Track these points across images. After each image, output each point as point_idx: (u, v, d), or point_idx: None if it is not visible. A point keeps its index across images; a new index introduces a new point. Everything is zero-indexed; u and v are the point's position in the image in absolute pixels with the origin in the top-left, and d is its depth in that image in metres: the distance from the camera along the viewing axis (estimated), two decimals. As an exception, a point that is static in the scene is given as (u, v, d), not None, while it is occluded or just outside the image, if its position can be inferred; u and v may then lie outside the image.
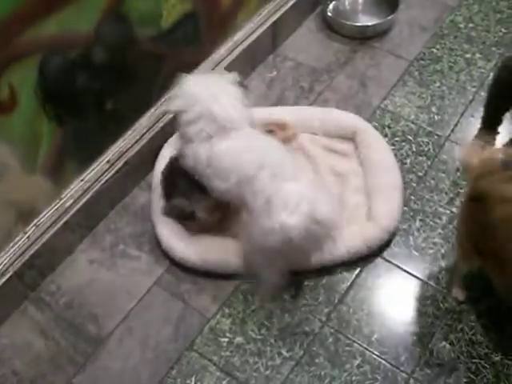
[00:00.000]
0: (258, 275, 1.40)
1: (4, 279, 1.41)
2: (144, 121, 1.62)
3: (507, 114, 1.61)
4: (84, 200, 1.53)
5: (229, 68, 1.79)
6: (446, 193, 1.61)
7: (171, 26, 1.57)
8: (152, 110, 1.64)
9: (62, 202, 1.49)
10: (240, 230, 1.43)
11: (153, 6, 1.48)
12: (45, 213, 1.47)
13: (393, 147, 1.70)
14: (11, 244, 1.42)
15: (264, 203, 1.27)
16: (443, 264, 1.49)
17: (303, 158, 1.67)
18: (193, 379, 1.35)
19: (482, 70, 1.91)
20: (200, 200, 1.45)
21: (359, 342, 1.38)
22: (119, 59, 1.47)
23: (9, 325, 1.46)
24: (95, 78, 1.42)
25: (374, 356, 1.36)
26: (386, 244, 1.51)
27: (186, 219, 1.49)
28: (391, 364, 1.34)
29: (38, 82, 1.28)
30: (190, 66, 1.72)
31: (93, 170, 1.54)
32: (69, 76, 1.36)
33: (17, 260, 1.43)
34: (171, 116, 1.63)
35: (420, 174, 1.66)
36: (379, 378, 1.33)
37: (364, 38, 2.02)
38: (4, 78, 1.20)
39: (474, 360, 1.34)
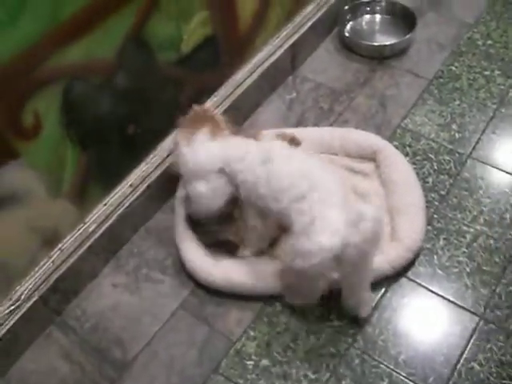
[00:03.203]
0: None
1: (29, 303, 1.42)
2: (166, 144, 1.63)
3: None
4: (107, 224, 1.53)
5: (249, 90, 1.81)
6: (470, 211, 1.60)
7: (191, 50, 1.58)
8: (174, 133, 1.64)
9: (85, 226, 1.50)
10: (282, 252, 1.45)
11: (173, 31, 1.50)
12: (69, 237, 1.47)
13: (414, 166, 1.70)
14: (36, 268, 1.42)
15: (307, 224, 1.26)
16: (468, 282, 1.47)
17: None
18: (219, 403, 1.35)
19: (502, 87, 1.90)
20: (223, 226, 1.49)
21: (386, 363, 1.37)
22: (141, 84, 1.48)
23: (34, 349, 1.47)
24: (117, 104, 1.44)
25: (402, 377, 1.34)
26: (410, 263, 1.50)
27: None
28: (419, 385, 1.33)
29: (61, 108, 1.29)
30: (210, 89, 1.73)
31: (116, 194, 1.55)
32: (92, 102, 1.37)
33: (42, 284, 1.43)
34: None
35: (442, 192, 1.65)
36: (407, 399, 1.32)
37: (382, 57, 2.02)
38: (29, 105, 1.22)
39: (503, 381, 1.32)
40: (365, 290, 1.38)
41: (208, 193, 1.42)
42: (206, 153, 1.43)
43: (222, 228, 1.50)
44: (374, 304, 1.45)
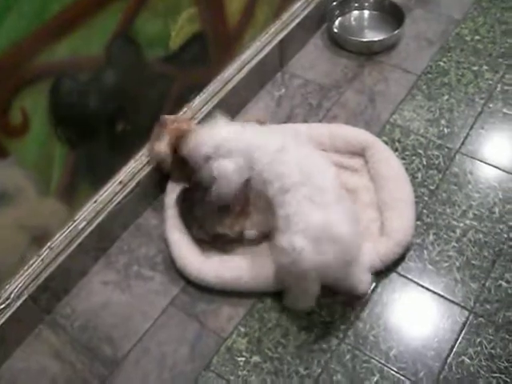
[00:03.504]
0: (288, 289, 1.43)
1: (19, 302, 1.41)
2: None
3: None
4: (97, 221, 1.53)
5: (238, 86, 1.81)
6: (459, 205, 1.61)
7: (179, 47, 1.58)
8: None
9: (75, 224, 1.49)
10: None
11: (161, 28, 1.49)
12: (58, 235, 1.47)
13: (403, 161, 1.70)
14: (26, 267, 1.42)
15: (284, 219, 1.28)
16: (458, 277, 1.48)
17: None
18: (211, 399, 1.35)
19: (490, 82, 1.91)
20: (219, 219, 1.47)
21: (377, 358, 1.37)
22: (129, 81, 1.48)
23: (24, 348, 1.46)
24: (106, 100, 1.43)
25: (393, 372, 1.35)
26: (400, 259, 1.50)
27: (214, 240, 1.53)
28: (410, 380, 1.33)
29: (49, 106, 1.28)
30: (199, 86, 1.73)
31: (105, 191, 1.54)
32: (80, 99, 1.36)
33: (31, 283, 1.43)
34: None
35: (432, 187, 1.66)
36: (398, 394, 1.33)
37: (371, 53, 2.02)
38: (16, 103, 1.21)
39: (494, 374, 1.33)
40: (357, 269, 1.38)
41: (234, 170, 1.40)
42: (228, 133, 1.44)
43: (218, 221, 1.49)
44: (364, 299, 1.46)
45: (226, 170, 1.40)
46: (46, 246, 1.45)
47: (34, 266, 1.43)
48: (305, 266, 1.25)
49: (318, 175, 1.32)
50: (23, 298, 1.42)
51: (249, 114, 1.66)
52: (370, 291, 1.45)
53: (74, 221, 1.49)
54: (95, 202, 1.52)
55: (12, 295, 1.40)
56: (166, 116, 1.59)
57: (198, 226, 1.51)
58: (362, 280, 1.41)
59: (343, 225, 1.22)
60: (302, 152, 1.39)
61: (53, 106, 1.29)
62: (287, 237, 1.26)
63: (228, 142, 1.42)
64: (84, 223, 1.50)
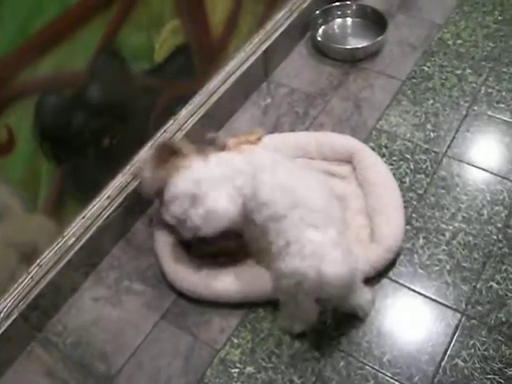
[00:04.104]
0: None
1: (9, 321, 1.39)
2: (142, 155, 1.62)
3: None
4: (86, 237, 1.52)
5: (223, 97, 1.81)
6: (448, 208, 1.62)
7: (164, 59, 1.58)
8: (149, 143, 1.64)
9: (64, 240, 1.48)
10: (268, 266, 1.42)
11: (145, 41, 1.49)
12: (47, 252, 1.46)
13: (391, 167, 1.71)
14: (15, 285, 1.40)
15: (283, 246, 1.27)
16: (449, 280, 1.48)
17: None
18: (206, 412, 1.34)
19: (474, 85, 1.93)
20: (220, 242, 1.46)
21: (371, 364, 1.37)
22: (114, 95, 1.48)
23: (16, 368, 1.44)
24: (91, 115, 1.42)
25: (387, 377, 1.35)
26: (391, 264, 1.50)
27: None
28: (405, 385, 1.34)
29: (34, 123, 1.28)
30: (184, 98, 1.73)
31: (93, 206, 1.53)
32: (65, 115, 1.36)
33: (21, 301, 1.41)
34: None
35: (420, 191, 1.66)
36: (394, 399, 1.32)
37: (355, 60, 2.04)
38: (1, 120, 1.20)
39: (488, 376, 1.32)
40: (358, 289, 1.37)
41: (228, 202, 1.33)
42: (217, 163, 1.39)
43: (217, 243, 1.47)
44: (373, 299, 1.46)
45: (217, 206, 1.33)
46: (36, 263, 1.44)
47: (23, 283, 1.42)
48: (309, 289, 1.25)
49: (307, 195, 1.31)
50: (13, 317, 1.40)
51: (240, 136, 1.60)
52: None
53: (63, 237, 1.48)
54: (83, 217, 1.51)
55: (2, 314, 1.38)
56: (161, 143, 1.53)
57: (195, 245, 1.50)
58: (365, 300, 1.41)
59: (337, 267, 1.21)
60: (284, 171, 1.37)
61: (38, 122, 1.28)
62: (287, 262, 1.25)
63: (219, 170, 1.36)
64: (73, 239, 1.50)
